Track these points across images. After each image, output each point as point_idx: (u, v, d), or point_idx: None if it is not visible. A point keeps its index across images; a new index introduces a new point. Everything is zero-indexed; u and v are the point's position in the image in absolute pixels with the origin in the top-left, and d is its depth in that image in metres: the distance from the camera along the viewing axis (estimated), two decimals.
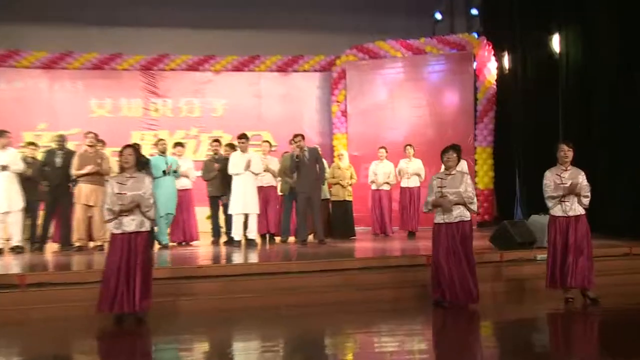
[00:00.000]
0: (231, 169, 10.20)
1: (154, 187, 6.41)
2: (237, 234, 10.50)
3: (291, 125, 14.68)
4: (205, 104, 15.31)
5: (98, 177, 9.96)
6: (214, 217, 11.25)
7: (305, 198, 10.37)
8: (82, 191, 9.95)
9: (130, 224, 6.25)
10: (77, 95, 14.82)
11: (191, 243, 11.06)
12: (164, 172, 10.37)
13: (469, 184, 6.96)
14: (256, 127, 15.15)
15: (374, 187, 12.40)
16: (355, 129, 15.10)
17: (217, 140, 11.43)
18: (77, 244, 10.03)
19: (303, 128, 14.62)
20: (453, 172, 7.03)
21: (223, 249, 10.11)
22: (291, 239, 11.44)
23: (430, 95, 14.89)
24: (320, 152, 10.86)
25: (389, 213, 12.24)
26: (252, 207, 10.32)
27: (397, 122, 15.00)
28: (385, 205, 12.28)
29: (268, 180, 11.23)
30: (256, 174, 10.31)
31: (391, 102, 15.20)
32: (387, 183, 12.27)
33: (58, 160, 10.22)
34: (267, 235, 11.36)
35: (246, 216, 10.49)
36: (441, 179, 7.05)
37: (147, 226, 6.30)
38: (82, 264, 8.64)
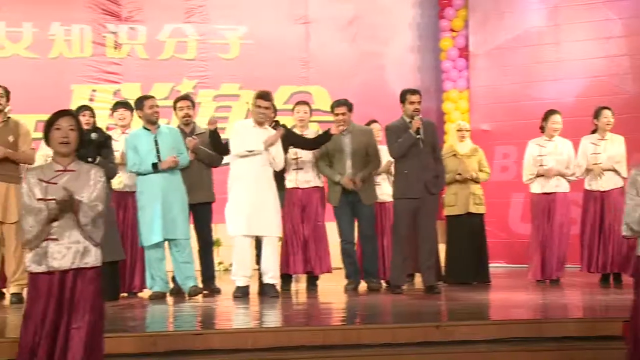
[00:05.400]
0: (236, 148, 7.63)
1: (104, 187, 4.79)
2: (242, 274, 7.69)
3: (364, 74, 12.02)
4: (207, 35, 11.97)
5: (10, 167, 7.58)
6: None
7: (412, 209, 7.80)
8: None
9: (63, 254, 4.61)
10: None
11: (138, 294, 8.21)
12: (154, 165, 7.58)
13: None
14: (302, 80, 12.09)
15: (536, 188, 8.98)
16: (485, 82, 12.00)
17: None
18: None
19: (386, 79, 12.03)
20: None
21: (219, 303, 7.63)
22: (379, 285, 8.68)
23: (630, 17, 11.31)
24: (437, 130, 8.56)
25: (566, 239, 8.82)
26: (269, 224, 7.69)
27: (565, 68, 11.50)
28: (561, 223, 8.81)
29: (307, 176, 8.39)
30: (277, 165, 7.76)
31: (554, 30, 11.71)
32: (566, 177, 8.91)
33: None
34: (307, 278, 8.53)
35: (258, 242, 7.94)
36: None
37: (93, 257, 4.65)
38: None
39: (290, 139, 8.01)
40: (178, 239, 7.52)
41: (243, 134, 7.67)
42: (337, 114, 8.05)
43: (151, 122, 7.22)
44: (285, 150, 7.85)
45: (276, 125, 7.80)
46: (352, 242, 8.21)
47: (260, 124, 7.61)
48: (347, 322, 6.63)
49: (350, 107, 8.12)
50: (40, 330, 4.47)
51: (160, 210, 7.32)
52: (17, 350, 4.76)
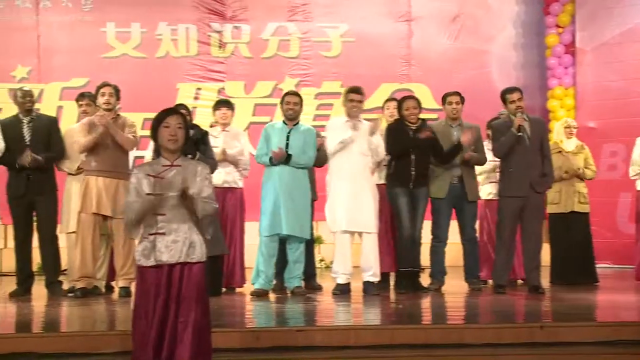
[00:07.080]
0: (330, 145, 7.59)
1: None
2: (342, 272, 7.56)
3: (467, 72, 11.88)
4: (310, 33, 12.06)
5: (120, 164, 7.69)
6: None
7: (517, 207, 7.62)
8: (91, 190, 7.58)
9: (170, 249, 4.62)
10: (82, 21, 11.64)
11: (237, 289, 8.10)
12: (270, 159, 7.61)
13: None
14: (403, 77, 11.97)
15: None
16: (592, 78, 11.83)
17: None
18: (78, 285, 7.49)
19: (489, 77, 11.90)
20: None
21: (320, 300, 7.48)
22: (454, 283, 8.40)
23: None
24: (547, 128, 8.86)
25: None
26: (367, 221, 7.56)
27: None
28: None
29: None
30: (379, 153, 7.66)
31: None
32: None
33: (26, 133, 7.97)
34: (392, 277, 8.25)
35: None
36: None
37: (199, 252, 4.61)
38: (90, 323, 6.56)
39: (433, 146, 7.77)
40: (295, 237, 7.46)
41: (337, 129, 7.61)
42: (450, 102, 7.97)
43: (288, 118, 7.26)
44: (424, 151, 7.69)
45: (423, 123, 7.70)
46: (443, 242, 8.02)
47: (353, 117, 7.51)
48: (449, 321, 6.50)
49: (462, 99, 8.03)
50: (149, 324, 4.50)
51: (282, 203, 7.28)
52: (129, 343, 4.81)
